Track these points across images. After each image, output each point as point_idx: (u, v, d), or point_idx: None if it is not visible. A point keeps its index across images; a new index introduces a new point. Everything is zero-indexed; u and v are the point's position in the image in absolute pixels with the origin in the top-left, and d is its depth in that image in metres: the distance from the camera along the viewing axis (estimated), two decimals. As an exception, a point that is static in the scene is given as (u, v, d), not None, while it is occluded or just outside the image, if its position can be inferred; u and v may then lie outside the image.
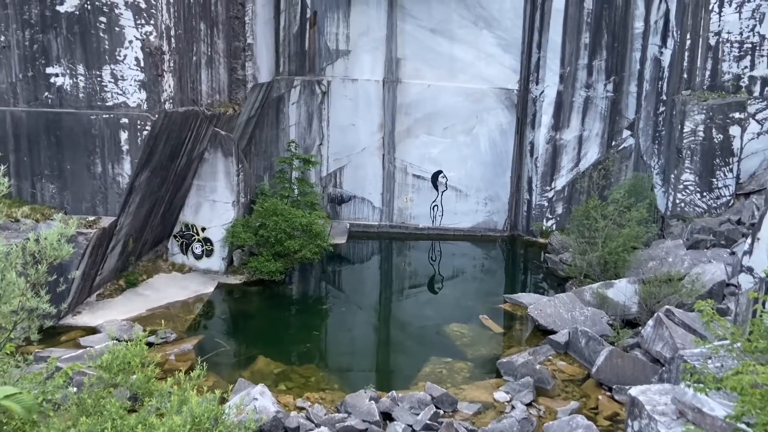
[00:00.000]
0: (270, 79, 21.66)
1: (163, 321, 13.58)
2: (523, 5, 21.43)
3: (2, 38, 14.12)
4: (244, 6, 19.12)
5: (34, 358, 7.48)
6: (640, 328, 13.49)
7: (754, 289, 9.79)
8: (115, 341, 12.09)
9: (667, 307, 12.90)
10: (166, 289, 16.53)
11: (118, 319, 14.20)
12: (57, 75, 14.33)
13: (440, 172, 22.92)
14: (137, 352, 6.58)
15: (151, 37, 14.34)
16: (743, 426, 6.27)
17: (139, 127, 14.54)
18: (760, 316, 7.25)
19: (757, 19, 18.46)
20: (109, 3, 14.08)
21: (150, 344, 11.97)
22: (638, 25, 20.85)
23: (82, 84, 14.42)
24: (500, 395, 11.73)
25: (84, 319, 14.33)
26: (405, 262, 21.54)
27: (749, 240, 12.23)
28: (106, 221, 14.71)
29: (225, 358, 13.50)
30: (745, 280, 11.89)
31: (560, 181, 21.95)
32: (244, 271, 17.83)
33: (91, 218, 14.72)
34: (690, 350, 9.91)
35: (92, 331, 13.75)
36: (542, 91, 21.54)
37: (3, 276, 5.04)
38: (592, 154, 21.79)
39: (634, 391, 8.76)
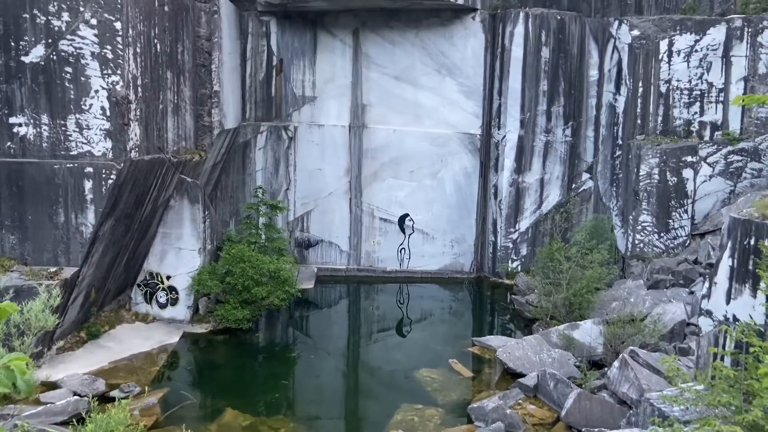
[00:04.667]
0: (236, 125, 21.77)
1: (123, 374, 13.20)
2: (484, 54, 22.20)
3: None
4: (211, 54, 19.33)
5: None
6: (606, 369, 13.70)
7: (714, 333, 10.11)
8: (77, 397, 11.69)
9: (631, 348, 13.17)
10: (129, 340, 16.13)
11: (80, 373, 13.77)
12: (20, 125, 14.18)
13: (407, 215, 23.17)
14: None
15: (118, 87, 14.35)
16: None
17: (104, 175, 14.41)
18: (721, 360, 7.50)
19: (705, 67, 19.54)
20: (75, 53, 14.09)
21: (111, 399, 11.65)
22: (593, 73, 21.79)
23: (46, 134, 14.28)
24: (472, 442, 11.72)
25: (44, 373, 13.81)
26: (373, 306, 21.50)
27: (707, 284, 12.64)
28: (68, 272, 14.38)
29: (191, 411, 13.16)
30: (704, 323, 12.24)
31: (524, 223, 22.41)
32: (210, 320, 17.55)
33: (53, 269, 14.38)
34: (656, 393, 10.12)
35: (52, 386, 13.28)
36: (504, 136, 22.15)
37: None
38: (553, 196, 22.36)
39: (603, 435, 8.87)
